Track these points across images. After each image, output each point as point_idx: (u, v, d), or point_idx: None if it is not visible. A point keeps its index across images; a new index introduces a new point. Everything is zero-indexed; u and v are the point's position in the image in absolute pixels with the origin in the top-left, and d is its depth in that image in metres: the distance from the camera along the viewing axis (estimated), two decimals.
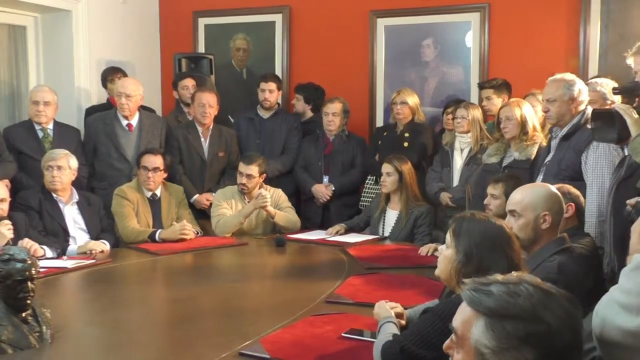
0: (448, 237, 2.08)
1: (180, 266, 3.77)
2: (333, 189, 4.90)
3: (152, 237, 4.14)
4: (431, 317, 1.98)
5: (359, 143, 5.05)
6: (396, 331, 2.16)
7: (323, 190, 4.92)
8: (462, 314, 1.34)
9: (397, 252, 3.89)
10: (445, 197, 4.45)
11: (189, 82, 5.31)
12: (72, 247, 3.92)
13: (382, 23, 5.59)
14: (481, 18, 5.27)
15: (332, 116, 4.93)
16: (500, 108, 4.15)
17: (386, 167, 4.33)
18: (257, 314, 2.78)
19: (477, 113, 4.46)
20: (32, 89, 4.79)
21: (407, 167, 4.31)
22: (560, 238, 2.51)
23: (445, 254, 2.08)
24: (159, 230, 4.17)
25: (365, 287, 3.03)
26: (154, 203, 4.36)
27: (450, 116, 4.70)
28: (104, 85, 5.32)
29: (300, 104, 5.49)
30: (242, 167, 4.39)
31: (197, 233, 4.27)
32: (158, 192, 4.40)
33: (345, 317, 2.58)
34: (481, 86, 4.81)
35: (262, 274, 3.67)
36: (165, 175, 4.42)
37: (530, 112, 3.99)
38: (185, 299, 2.97)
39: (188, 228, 4.13)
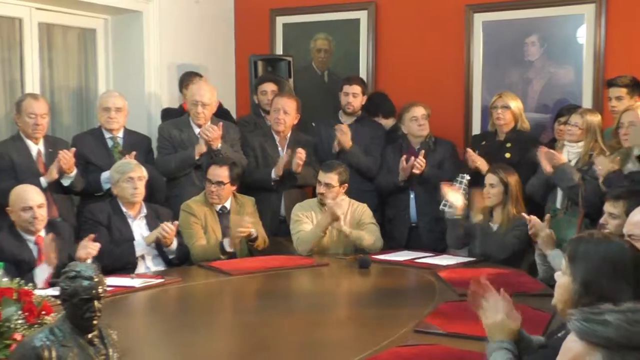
0: (564, 262, 2.02)
1: (253, 288, 3.83)
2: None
3: (222, 250, 4.26)
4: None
5: (446, 149, 4.98)
6: None
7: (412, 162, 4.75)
8: (569, 352, 1.30)
9: (496, 276, 3.79)
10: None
11: (269, 87, 5.36)
12: (139, 240, 4.09)
13: (479, 18, 5.52)
14: (596, 10, 5.10)
15: (423, 119, 4.90)
16: (623, 112, 3.99)
17: (490, 178, 4.28)
18: (337, 342, 2.79)
19: (594, 120, 4.28)
20: (102, 94, 5.01)
21: (513, 179, 4.26)
22: None
23: (562, 281, 2.01)
24: (225, 240, 4.29)
25: (458, 316, 2.98)
26: (223, 217, 4.47)
27: (563, 126, 4.55)
28: (181, 90, 5.48)
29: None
30: (321, 175, 4.45)
31: (253, 234, 4.35)
32: (228, 205, 4.50)
33: (435, 349, 2.55)
34: (611, 83, 4.55)
35: (343, 298, 3.68)
36: (233, 188, 4.52)
37: None
38: (258, 324, 3.02)
39: (247, 220, 4.26)
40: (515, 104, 4.77)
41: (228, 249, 4.29)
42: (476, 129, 5.54)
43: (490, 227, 4.32)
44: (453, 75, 5.62)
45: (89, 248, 3.65)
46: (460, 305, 3.15)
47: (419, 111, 4.91)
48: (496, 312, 2.14)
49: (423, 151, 4.81)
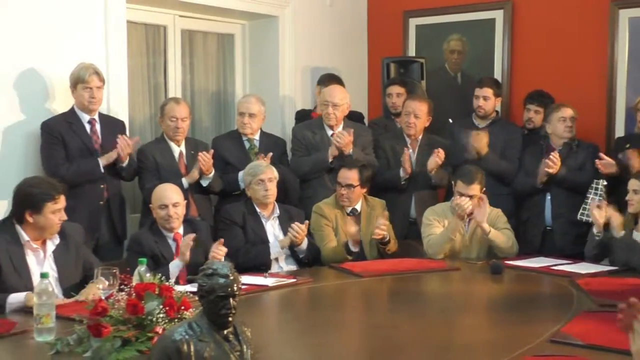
0: None
1: (383, 290, 3.83)
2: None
3: (347, 249, 4.30)
4: None
5: (588, 151, 4.75)
6: None
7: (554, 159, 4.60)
8: None
9: None
10: None
11: (394, 90, 5.38)
12: (274, 242, 4.18)
13: (625, 14, 5.24)
14: None
15: (571, 121, 4.72)
16: None
17: (634, 184, 4.08)
18: (467, 349, 2.73)
19: None
20: (240, 99, 5.15)
21: None
22: None
23: None
24: (349, 241, 4.32)
25: (599, 327, 2.84)
26: (354, 218, 4.49)
27: None
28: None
29: (539, 117, 5.15)
30: (462, 187, 4.30)
31: (386, 237, 4.33)
32: (358, 207, 4.52)
33: None
34: None
35: (474, 304, 3.60)
36: (363, 190, 4.52)
37: None
38: (387, 326, 3.01)
39: (381, 223, 4.25)
40: None
41: (353, 248, 4.31)
42: (619, 131, 5.27)
43: (634, 236, 4.08)
44: (595, 75, 5.38)
45: (215, 251, 3.72)
46: (601, 316, 3.01)
47: (569, 112, 4.72)
48: None
49: (556, 152, 4.64)
